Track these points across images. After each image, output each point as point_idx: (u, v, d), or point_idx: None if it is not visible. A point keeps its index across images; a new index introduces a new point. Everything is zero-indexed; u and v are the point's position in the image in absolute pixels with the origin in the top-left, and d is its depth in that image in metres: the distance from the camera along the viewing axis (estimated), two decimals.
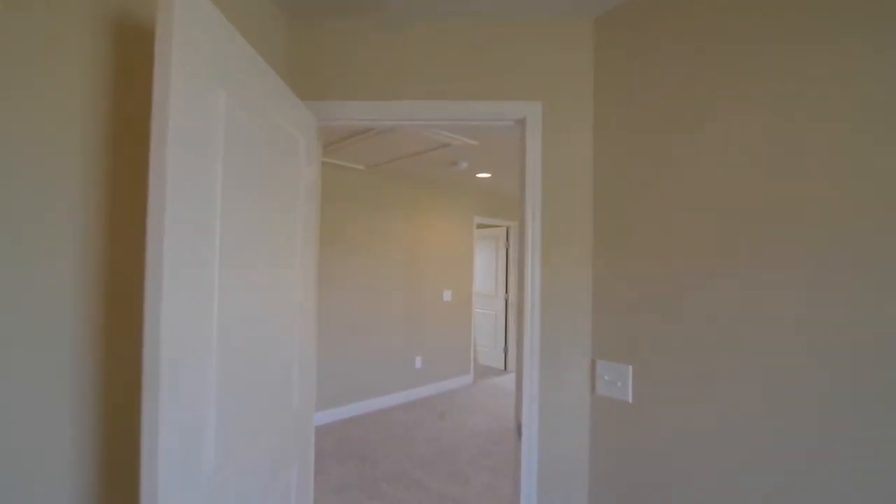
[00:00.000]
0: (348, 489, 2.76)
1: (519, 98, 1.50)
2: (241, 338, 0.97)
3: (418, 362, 4.61)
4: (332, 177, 3.92)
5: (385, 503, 2.60)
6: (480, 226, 6.36)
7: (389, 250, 4.37)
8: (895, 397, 0.91)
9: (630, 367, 1.38)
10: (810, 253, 1.03)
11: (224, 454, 0.89)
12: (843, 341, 0.98)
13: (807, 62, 1.05)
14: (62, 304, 0.79)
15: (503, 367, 5.88)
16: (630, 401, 1.37)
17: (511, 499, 2.71)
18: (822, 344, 1.01)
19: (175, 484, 0.72)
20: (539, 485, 1.47)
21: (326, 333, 3.86)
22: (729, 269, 1.17)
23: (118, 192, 0.89)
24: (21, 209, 0.75)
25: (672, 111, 1.29)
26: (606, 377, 1.44)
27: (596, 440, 1.45)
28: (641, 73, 1.37)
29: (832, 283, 1.00)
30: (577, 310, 1.48)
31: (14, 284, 0.74)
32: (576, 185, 1.49)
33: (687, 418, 1.24)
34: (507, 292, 5.89)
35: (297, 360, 1.35)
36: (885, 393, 0.92)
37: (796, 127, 1.06)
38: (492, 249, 6.11)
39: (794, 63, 1.07)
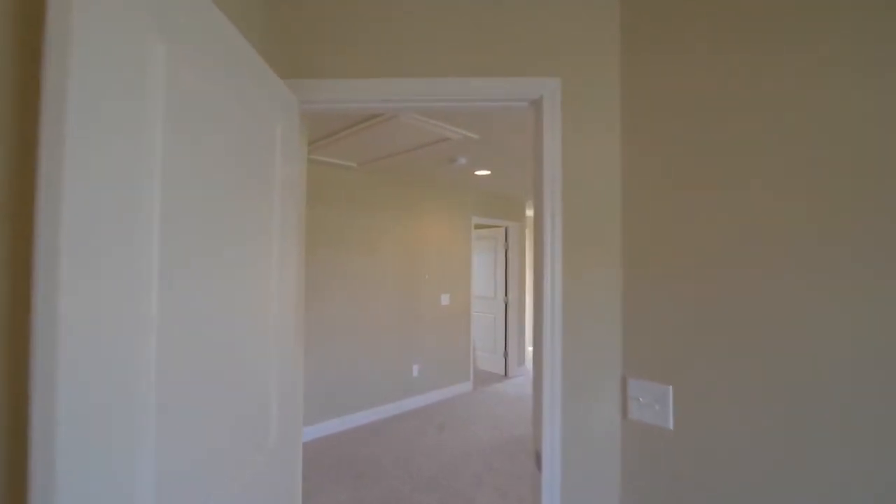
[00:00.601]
0: None
1: (534, 74, 1.29)
2: (195, 365, 0.75)
3: (416, 370, 4.38)
4: (322, 175, 3.69)
5: None
6: (478, 226, 6.15)
7: (384, 253, 4.14)
8: None
9: (670, 388, 1.17)
10: None
11: None
12: None
13: None
14: None
15: (504, 373, 5.66)
16: (671, 427, 1.16)
17: None
18: None
19: None
20: None
21: (318, 341, 3.63)
22: (801, 269, 0.96)
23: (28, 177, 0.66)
24: None
25: (716, 91, 1.09)
26: (641, 399, 1.23)
27: (628, 472, 1.24)
28: (677, 41, 1.16)
29: None
30: (605, 322, 1.27)
31: None
32: (602, 178, 1.28)
33: (744, 451, 1.03)
34: (506, 295, 5.68)
35: (275, 381, 1.12)
36: None
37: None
38: (490, 250, 5.90)
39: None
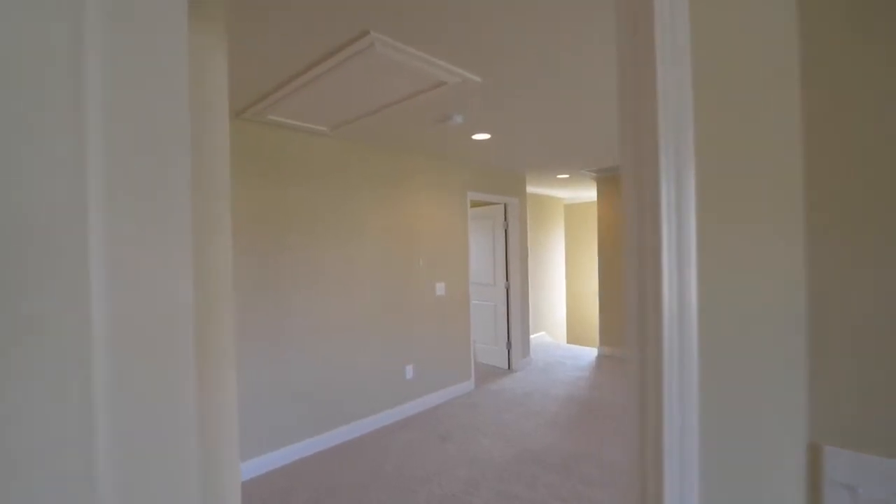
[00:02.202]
0: None
1: None
2: None
3: (409, 372, 3.79)
4: (288, 143, 3.01)
5: None
6: (474, 204, 5.52)
7: (367, 237, 3.50)
8: None
9: None
10: None
11: None
12: None
13: None
14: None
15: (507, 367, 5.11)
16: None
17: None
18: None
19: None
20: None
21: (287, 347, 3.00)
22: None
23: None
24: None
25: None
26: (861, 490, 0.64)
27: None
28: None
29: None
30: (773, 341, 0.68)
31: None
32: (764, 70, 0.67)
33: None
34: (507, 280, 5.09)
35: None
36: None
37: None
38: (488, 230, 5.29)
39: None
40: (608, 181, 5.56)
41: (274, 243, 2.92)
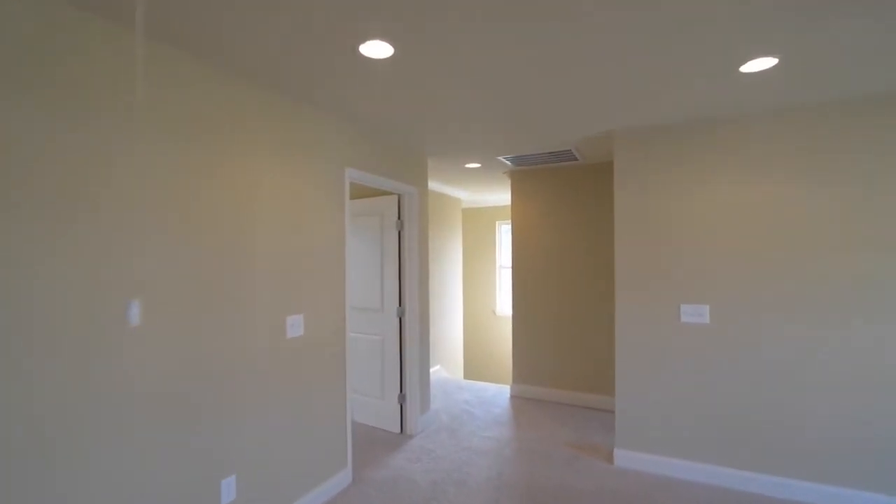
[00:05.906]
0: None
1: None
2: None
3: (229, 490, 1.99)
4: None
5: None
6: (354, 192, 3.89)
7: (148, 230, 1.66)
8: None
9: None
10: None
11: None
12: None
13: None
14: None
15: (399, 429, 3.55)
16: None
17: None
18: None
19: None
20: None
21: None
22: None
23: None
24: None
25: None
26: None
27: None
28: None
29: None
30: None
31: None
32: None
33: None
34: (401, 304, 3.57)
35: None
36: None
37: None
38: (373, 232, 3.71)
39: None
40: (525, 176, 4.45)
41: None
